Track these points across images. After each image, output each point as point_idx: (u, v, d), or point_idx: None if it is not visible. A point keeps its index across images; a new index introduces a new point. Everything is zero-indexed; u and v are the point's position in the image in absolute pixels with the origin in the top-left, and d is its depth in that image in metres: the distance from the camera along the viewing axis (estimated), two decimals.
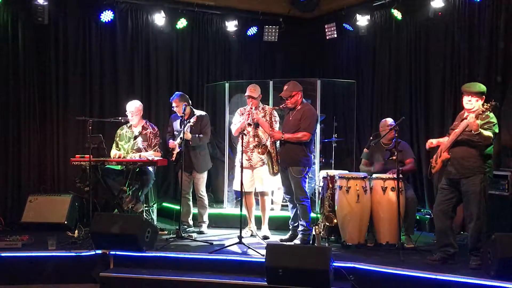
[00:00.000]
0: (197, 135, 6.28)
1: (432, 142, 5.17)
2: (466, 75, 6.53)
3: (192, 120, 6.13)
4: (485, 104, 4.67)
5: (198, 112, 6.42)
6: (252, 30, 8.38)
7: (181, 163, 6.07)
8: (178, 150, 6.18)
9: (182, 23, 7.91)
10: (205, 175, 6.53)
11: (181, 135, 6.08)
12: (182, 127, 6.08)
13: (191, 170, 6.41)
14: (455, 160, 4.88)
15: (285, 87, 5.87)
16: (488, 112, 4.69)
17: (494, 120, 4.81)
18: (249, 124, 6.02)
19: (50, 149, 7.37)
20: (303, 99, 5.94)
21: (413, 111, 7.36)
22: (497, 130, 4.81)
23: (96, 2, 7.45)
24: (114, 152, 6.43)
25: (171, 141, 6.38)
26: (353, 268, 4.82)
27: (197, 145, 6.33)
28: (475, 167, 4.82)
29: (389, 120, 6.29)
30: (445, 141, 5.05)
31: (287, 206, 6.34)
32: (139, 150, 6.43)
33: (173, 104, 6.35)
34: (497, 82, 6.16)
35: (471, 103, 4.88)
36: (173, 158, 6.30)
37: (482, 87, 4.92)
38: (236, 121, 6.30)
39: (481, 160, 4.83)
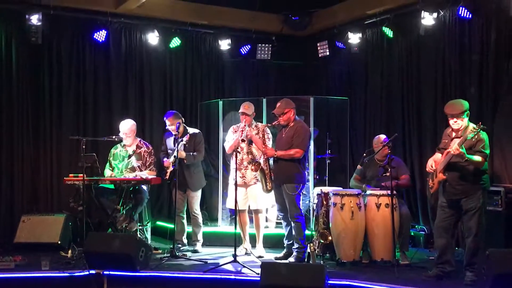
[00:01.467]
0: (191, 153, 6.28)
1: (433, 165, 5.07)
2: (457, 91, 6.59)
3: (185, 139, 6.13)
4: (472, 127, 4.65)
5: (191, 130, 6.43)
6: (245, 49, 8.43)
7: (175, 182, 6.05)
8: (172, 168, 6.17)
9: (175, 42, 7.97)
10: (199, 193, 6.52)
11: (175, 153, 6.08)
12: (176, 145, 6.08)
13: (185, 188, 6.39)
14: (453, 181, 4.88)
15: (278, 104, 5.90)
16: (477, 132, 4.66)
17: (485, 139, 4.81)
18: (243, 140, 6.03)
19: (44, 169, 7.36)
20: (296, 116, 5.97)
21: (406, 127, 7.40)
22: (488, 151, 4.81)
23: (90, 21, 7.50)
24: (108, 173, 6.43)
25: (165, 159, 6.37)
26: (348, 286, 4.81)
27: (192, 163, 6.33)
28: (473, 184, 4.83)
29: (382, 137, 6.33)
30: (438, 159, 5.06)
31: (281, 223, 6.32)
32: (133, 169, 6.43)
33: (167, 123, 6.36)
34: (471, 93, 6.22)
35: (458, 124, 4.90)
36: (167, 177, 6.30)
37: (465, 105, 4.91)
38: (230, 138, 6.32)
39: (478, 176, 4.84)
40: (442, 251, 5.04)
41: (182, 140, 6.13)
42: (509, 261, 4.41)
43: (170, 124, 6.32)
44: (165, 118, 6.39)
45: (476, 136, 4.65)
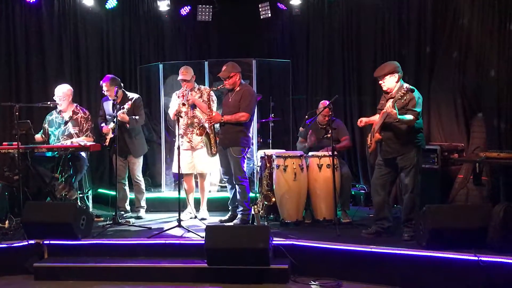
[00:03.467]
0: (133, 117, 6.13)
1: (362, 120, 5.29)
2: (396, 53, 6.71)
3: (127, 106, 5.93)
4: (405, 87, 4.74)
5: (130, 95, 6.27)
6: (186, 10, 8.21)
7: (115, 148, 5.91)
8: (112, 135, 6.01)
9: (112, 3, 7.67)
10: (140, 159, 6.40)
11: (115, 120, 5.91)
12: (115, 111, 5.90)
13: (126, 154, 6.26)
14: (388, 140, 5.01)
15: (224, 68, 5.80)
16: (409, 92, 4.74)
17: (416, 98, 4.90)
18: (183, 104, 5.91)
19: None
20: (242, 80, 5.91)
21: (347, 89, 7.51)
22: (419, 109, 4.92)
23: None
24: (37, 137, 6.24)
25: (104, 126, 6.20)
26: (292, 245, 4.88)
27: (134, 127, 6.18)
28: (408, 143, 4.96)
29: (326, 103, 6.38)
30: (376, 119, 5.18)
31: (225, 187, 6.33)
32: (70, 135, 6.24)
33: (104, 88, 6.15)
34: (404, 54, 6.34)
35: (384, 85, 5.03)
36: (107, 143, 6.14)
37: (391, 66, 5.02)
38: (173, 105, 6.21)
39: (412, 135, 4.97)
40: (379, 208, 5.20)
41: (123, 108, 5.94)
42: (444, 216, 4.62)
43: (107, 90, 6.11)
44: (102, 83, 6.18)
45: (407, 96, 4.74)
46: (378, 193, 5.19)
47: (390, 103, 4.79)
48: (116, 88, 5.99)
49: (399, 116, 4.75)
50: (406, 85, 4.89)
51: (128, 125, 6.08)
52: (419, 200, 5.01)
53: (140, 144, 6.36)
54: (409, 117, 4.83)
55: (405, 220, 5.06)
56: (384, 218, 5.19)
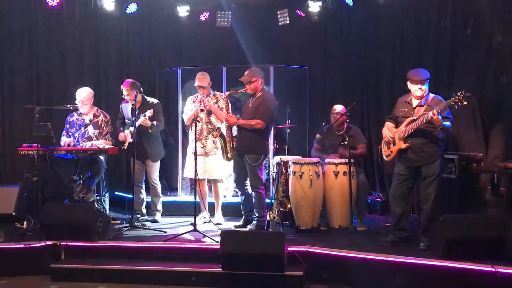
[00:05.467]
0: (154, 122, 6.17)
1: (389, 136, 5.14)
2: (415, 60, 6.68)
3: (148, 114, 5.97)
4: (456, 96, 4.59)
5: (149, 100, 6.32)
6: (205, 16, 8.27)
7: (133, 152, 5.96)
8: (131, 140, 6.05)
9: (132, 7, 7.75)
10: (158, 163, 6.44)
11: (135, 124, 5.94)
12: (134, 116, 5.94)
13: (144, 158, 6.31)
14: (417, 148, 4.94)
15: (246, 72, 5.81)
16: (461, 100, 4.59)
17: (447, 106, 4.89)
18: (202, 110, 5.96)
19: None
20: (264, 87, 5.90)
21: (364, 97, 7.48)
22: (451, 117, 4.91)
23: None
24: (64, 140, 6.28)
25: (121, 134, 6.26)
26: (307, 252, 4.87)
27: (154, 132, 6.23)
28: (434, 152, 4.93)
29: (340, 107, 6.37)
30: (390, 127, 5.12)
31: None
32: (90, 138, 6.30)
33: (124, 92, 6.20)
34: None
35: (422, 90, 4.95)
36: (125, 147, 6.19)
37: (428, 74, 5.01)
38: (188, 109, 6.24)
39: (438, 144, 4.95)
40: (399, 219, 5.15)
41: (145, 115, 5.97)
42: (461, 226, 4.57)
43: (127, 94, 6.16)
44: (122, 87, 6.23)
45: (460, 104, 4.61)
46: (398, 204, 5.14)
47: (434, 110, 4.67)
48: (135, 93, 6.05)
49: (444, 123, 4.72)
50: (437, 98, 4.91)
51: (150, 130, 6.12)
52: (438, 208, 4.96)
53: (158, 148, 6.41)
54: (448, 124, 4.81)
55: (424, 230, 5.00)
56: (403, 229, 5.16)
